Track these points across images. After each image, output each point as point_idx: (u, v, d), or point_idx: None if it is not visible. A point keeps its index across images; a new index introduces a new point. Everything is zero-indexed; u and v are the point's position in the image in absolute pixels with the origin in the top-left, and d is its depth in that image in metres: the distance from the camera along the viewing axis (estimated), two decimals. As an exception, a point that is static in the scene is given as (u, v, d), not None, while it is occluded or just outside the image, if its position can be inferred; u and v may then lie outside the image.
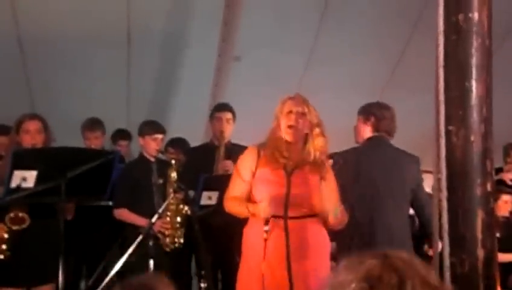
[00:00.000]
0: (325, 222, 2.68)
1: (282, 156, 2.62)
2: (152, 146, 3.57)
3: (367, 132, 3.29)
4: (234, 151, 3.40)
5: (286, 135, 2.64)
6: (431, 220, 3.35)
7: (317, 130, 2.64)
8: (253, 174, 2.68)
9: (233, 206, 2.72)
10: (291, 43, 4.83)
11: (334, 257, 3.03)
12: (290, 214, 2.59)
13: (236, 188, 2.72)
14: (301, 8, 4.64)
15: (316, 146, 2.62)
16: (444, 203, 1.68)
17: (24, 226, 2.95)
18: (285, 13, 4.65)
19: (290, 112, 2.64)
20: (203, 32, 4.67)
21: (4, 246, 2.94)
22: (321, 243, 2.67)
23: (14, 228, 2.94)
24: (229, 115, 3.87)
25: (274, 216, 2.55)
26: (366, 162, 3.23)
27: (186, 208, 3.42)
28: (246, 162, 2.72)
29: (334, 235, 2.99)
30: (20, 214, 2.94)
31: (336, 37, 4.79)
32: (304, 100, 2.68)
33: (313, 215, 2.64)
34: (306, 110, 2.64)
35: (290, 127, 2.62)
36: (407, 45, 4.97)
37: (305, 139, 2.66)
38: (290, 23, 4.71)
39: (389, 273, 1.02)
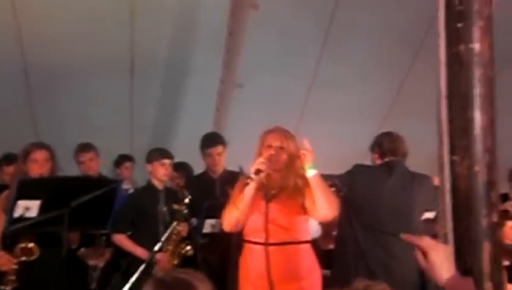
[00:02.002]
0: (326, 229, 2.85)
1: (262, 185, 2.76)
2: (161, 171, 3.58)
3: (377, 161, 3.42)
4: (230, 179, 3.40)
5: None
6: None
7: (296, 162, 2.76)
8: None
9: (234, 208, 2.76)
10: (294, 69, 4.87)
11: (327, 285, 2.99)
12: (271, 240, 2.72)
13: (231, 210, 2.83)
14: (303, 34, 4.69)
15: (297, 174, 2.75)
16: (450, 235, 1.66)
17: (33, 257, 2.93)
18: (287, 40, 4.70)
19: (270, 146, 2.78)
20: (205, 59, 4.71)
21: (13, 277, 2.92)
22: (307, 269, 2.75)
23: (23, 259, 2.92)
24: (219, 149, 3.90)
25: (256, 243, 2.73)
26: (375, 186, 3.25)
27: (188, 247, 3.41)
28: (237, 193, 2.83)
29: (332, 262, 2.99)
30: (30, 245, 2.93)
31: (339, 63, 4.83)
32: (283, 134, 2.81)
33: (296, 241, 2.76)
34: (285, 144, 2.77)
35: (270, 159, 2.74)
36: (409, 72, 5.00)
37: (286, 168, 2.77)
38: (293, 49, 4.76)
39: None
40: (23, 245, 2.93)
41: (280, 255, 2.71)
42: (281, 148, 2.76)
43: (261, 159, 2.70)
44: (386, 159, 3.34)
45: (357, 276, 2.91)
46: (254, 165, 2.69)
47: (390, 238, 3.13)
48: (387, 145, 3.35)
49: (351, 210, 3.10)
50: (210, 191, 3.78)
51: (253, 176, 2.65)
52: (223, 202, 3.58)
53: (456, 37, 1.67)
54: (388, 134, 3.44)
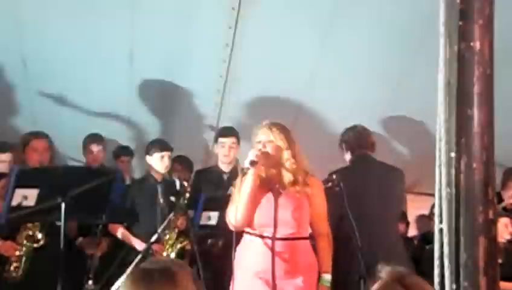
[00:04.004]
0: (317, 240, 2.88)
1: (266, 180, 2.80)
2: (160, 164, 3.59)
3: (347, 156, 3.49)
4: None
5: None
6: None
7: (286, 154, 2.80)
8: None
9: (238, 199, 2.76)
10: (293, 64, 4.87)
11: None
12: (278, 234, 2.75)
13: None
14: (303, 28, 4.69)
15: (289, 169, 2.80)
16: (446, 230, 1.68)
17: (38, 245, 2.95)
18: (286, 36, 4.70)
19: (259, 141, 2.85)
20: (205, 54, 4.70)
21: (17, 264, 2.94)
22: (308, 265, 2.81)
23: (29, 245, 2.94)
24: (233, 140, 3.90)
25: (262, 236, 2.73)
26: (360, 181, 3.30)
27: (185, 242, 3.43)
28: (239, 186, 2.83)
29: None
30: (36, 232, 2.94)
31: (338, 58, 4.83)
32: (269, 128, 2.87)
33: (301, 237, 2.81)
34: (271, 137, 2.82)
35: (262, 153, 2.79)
36: (409, 69, 5.01)
37: (283, 161, 2.83)
38: (291, 45, 4.76)
39: None
40: (29, 232, 2.94)
41: (286, 250, 2.74)
42: (270, 141, 2.81)
43: (254, 151, 2.74)
44: (356, 153, 3.41)
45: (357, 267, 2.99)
46: (248, 157, 2.73)
47: (378, 229, 3.20)
48: (353, 140, 3.44)
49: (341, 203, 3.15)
50: (218, 185, 3.78)
51: (248, 167, 2.67)
52: (220, 194, 3.62)
53: (457, 35, 1.69)
54: (352, 129, 3.51)
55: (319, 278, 2.84)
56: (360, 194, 3.26)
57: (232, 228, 2.75)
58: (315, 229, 2.87)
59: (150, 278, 1.34)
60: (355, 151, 3.40)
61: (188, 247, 3.44)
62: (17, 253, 2.95)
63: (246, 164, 2.71)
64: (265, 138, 2.82)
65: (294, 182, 2.80)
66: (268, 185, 2.80)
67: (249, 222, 2.79)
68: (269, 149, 2.79)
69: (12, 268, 2.95)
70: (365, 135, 3.45)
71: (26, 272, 2.96)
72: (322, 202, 2.89)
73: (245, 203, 2.72)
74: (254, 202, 2.75)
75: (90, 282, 3.46)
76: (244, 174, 2.73)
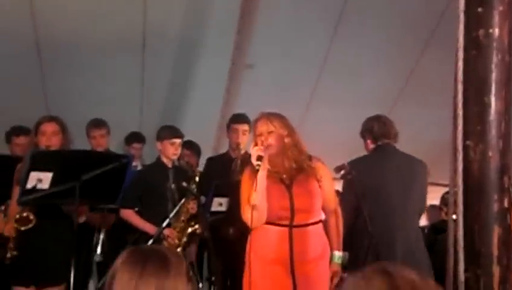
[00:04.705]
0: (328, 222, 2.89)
1: (274, 170, 2.79)
2: (170, 150, 3.60)
3: (370, 145, 3.44)
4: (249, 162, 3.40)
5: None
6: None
7: (287, 141, 2.79)
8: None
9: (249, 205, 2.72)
10: (305, 53, 4.85)
11: (346, 267, 3.04)
12: (295, 222, 2.76)
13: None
14: (315, 19, 4.66)
15: (290, 156, 2.79)
16: (460, 218, 1.67)
17: (30, 226, 2.97)
18: (299, 23, 4.68)
19: (260, 134, 2.81)
20: (217, 40, 4.70)
21: (12, 245, 2.98)
22: (322, 248, 2.83)
23: (22, 228, 2.97)
24: (245, 127, 3.89)
25: (279, 225, 2.74)
26: (378, 171, 3.28)
27: (196, 225, 3.44)
28: (247, 183, 2.81)
29: (348, 245, 3.02)
30: (25, 214, 2.96)
31: (349, 49, 4.81)
32: (267, 118, 2.83)
33: (315, 222, 2.81)
34: (272, 127, 2.79)
35: (266, 147, 2.77)
36: (420, 59, 4.98)
37: (286, 149, 2.81)
38: (304, 33, 4.74)
39: None
40: (17, 216, 2.95)
41: (303, 236, 2.75)
42: (270, 132, 2.79)
43: (256, 147, 2.73)
44: (380, 143, 3.37)
45: (374, 256, 2.99)
46: (253, 154, 2.71)
47: (398, 221, 3.18)
48: (378, 129, 3.39)
49: (359, 191, 3.12)
50: (230, 171, 3.78)
51: (258, 162, 2.67)
52: (231, 180, 3.63)
53: (476, 22, 1.67)
54: (377, 118, 3.46)
55: (331, 256, 2.85)
56: (379, 185, 3.23)
57: (250, 226, 2.71)
58: (325, 208, 2.89)
59: (144, 260, 1.34)
60: (378, 140, 3.36)
61: (199, 231, 3.44)
62: (13, 234, 2.97)
63: (254, 161, 2.68)
64: (266, 129, 2.79)
65: (301, 169, 2.80)
66: (276, 176, 2.79)
67: (265, 218, 2.77)
68: (271, 140, 2.77)
69: (9, 249, 2.98)
70: (389, 125, 3.40)
71: (23, 252, 2.98)
72: (329, 180, 2.89)
73: (261, 202, 2.70)
74: (266, 197, 2.74)
75: (98, 251, 3.48)
76: (256, 171, 2.68)
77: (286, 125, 2.82)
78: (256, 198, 2.66)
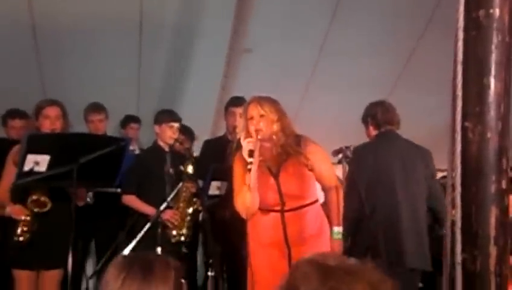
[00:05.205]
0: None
1: (261, 159, 2.78)
2: (168, 134, 3.60)
3: (373, 132, 3.39)
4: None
5: (254, 136, 2.78)
6: (442, 212, 3.40)
7: (275, 127, 2.79)
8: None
9: (242, 197, 2.76)
10: (303, 37, 4.82)
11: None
12: (287, 207, 2.78)
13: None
14: (313, 3, 4.63)
15: (276, 143, 2.78)
16: (458, 200, 1.67)
17: (45, 209, 3.00)
18: (297, 6, 4.64)
19: (252, 117, 2.79)
20: (214, 24, 4.66)
21: (25, 228, 2.99)
22: (318, 227, 2.84)
23: (36, 210, 2.98)
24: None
25: (271, 210, 2.77)
26: (381, 159, 3.25)
27: (198, 203, 3.46)
28: (238, 172, 2.84)
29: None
30: (43, 198, 2.98)
31: (348, 32, 4.78)
32: (258, 102, 2.81)
33: (308, 204, 2.82)
34: (262, 111, 2.78)
35: (256, 131, 2.77)
36: (419, 43, 4.95)
37: (275, 133, 2.80)
38: (302, 16, 4.70)
39: None
40: (34, 197, 2.98)
41: (296, 218, 2.78)
42: (261, 116, 2.78)
43: (248, 139, 2.72)
44: (382, 130, 3.32)
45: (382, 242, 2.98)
46: (244, 149, 2.70)
47: (399, 208, 3.16)
48: (381, 115, 3.33)
49: (360, 175, 3.11)
50: (227, 154, 3.77)
51: (250, 160, 2.66)
52: (228, 164, 3.62)
53: (476, 2, 1.66)
54: (380, 103, 3.41)
55: (330, 232, 2.86)
56: (383, 173, 3.20)
57: (243, 216, 2.75)
58: (323, 186, 2.90)
59: (128, 267, 1.34)
60: (381, 127, 3.31)
61: (201, 208, 3.45)
62: (24, 217, 2.99)
63: (245, 157, 2.66)
64: (257, 113, 2.78)
65: (288, 155, 2.79)
66: (263, 165, 2.79)
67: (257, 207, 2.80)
68: (262, 124, 2.76)
69: (20, 232, 3.00)
70: (392, 111, 3.35)
71: (33, 236, 3.00)
72: (322, 159, 2.85)
73: (253, 194, 2.72)
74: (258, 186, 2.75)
75: None
76: (248, 170, 2.67)
77: (277, 110, 2.81)
78: (250, 199, 2.68)
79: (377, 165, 3.22)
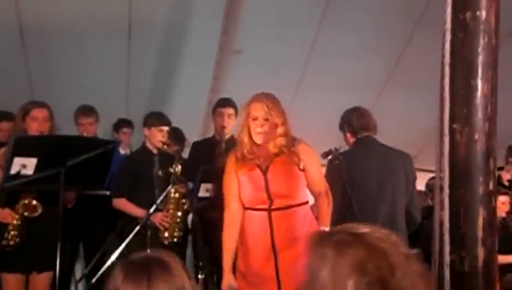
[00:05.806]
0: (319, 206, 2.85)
1: (255, 157, 2.79)
2: (158, 137, 3.58)
3: (350, 139, 3.40)
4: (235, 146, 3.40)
5: (256, 138, 2.79)
6: (416, 217, 3.41)
7: (279, 130, 2.77)
8: (238, 178, 2.83)
9: (226, 235, 2.83)
10: (293, 37, 4.83)
11: None
12: (274, 206, 2.76)
13: (231, 194, 2.84)
14: (303, 2, 4.63)
15: (277, 144, 2.77)
16: (446, 201, 1.68)
17: (36, 214, 2.96)
18: (286, 7, 4.64)
19: (256, 118, 2.77)
20: (204, 25, 4.65)
21: (15, 233, 2.96)
22: (307, 229, 2.79)
23: (26, 214, 2.95)
24: (230, 111, 3.88)
25: (259, 209, 2.76)
26: (358, 167, 3.25)
27: (188, 203, 3.44)
28: (230, 171, 2.85)
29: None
30: (34, 202, 2.95)
31: (338, 32, 4.78)
32: (266, 104, 2.77)
33: (296, 204, 2.80)
34: (269, 115, 2.76)
35: (259, 133, 2.77)
36: (408, 43, 4.97)
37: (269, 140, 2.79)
38: (292, 17, 4.70)
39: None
40: (26, 201, 2.95)
41: (283, 219, 2.75)
42: (266, 120, 2.75)
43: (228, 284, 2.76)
44: (359, 136, 3.34)
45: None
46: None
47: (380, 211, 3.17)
48: (356, 121, 3.34)
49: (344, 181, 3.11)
50: (215, 155, 3.76)
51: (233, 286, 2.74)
52: (218, 166, 3.61)
53: (463, 4, 1.66)
54: (355, 110, 3.42)
55: None
56: (361, 181, 3.20)
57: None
58: (312, 191, 2.87)
59: (147, 269, 1.32)
60: (357, 133, 3.32)
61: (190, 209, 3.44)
62: (15, 221, 2.96)
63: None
64: (263, 116, 2.74)
65: (279, 154, 2.77)
66: (253, 162, 2.78)
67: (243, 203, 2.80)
68: (266, 128, 2.73)
69: (9, 236, 2.97)
70: (368, 116, 3.36)
71: (23, 240, 2.97)
72: (313, 163, 2.84)
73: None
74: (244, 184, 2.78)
75: None
76: (236, 158, 2.72)
77: (281, 113, 2.79)
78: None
79: (356, 174, 3.21)
